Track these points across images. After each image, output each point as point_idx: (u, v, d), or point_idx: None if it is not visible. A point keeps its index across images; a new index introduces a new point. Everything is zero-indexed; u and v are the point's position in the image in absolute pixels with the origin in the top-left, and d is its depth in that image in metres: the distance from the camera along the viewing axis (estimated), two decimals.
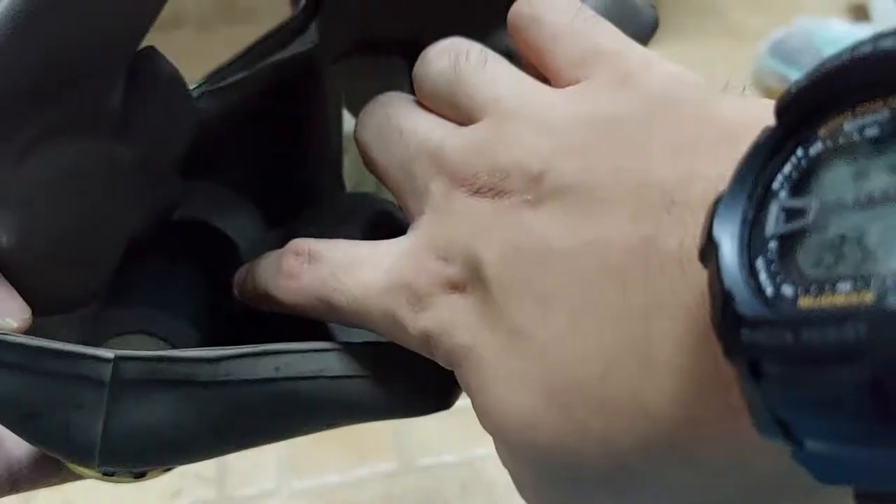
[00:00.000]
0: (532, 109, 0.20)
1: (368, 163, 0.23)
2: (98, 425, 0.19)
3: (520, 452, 0.18)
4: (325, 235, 0.28)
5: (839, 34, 0.78)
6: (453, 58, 0.21)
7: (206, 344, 0.24)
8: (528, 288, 0.18)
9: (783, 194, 0.14)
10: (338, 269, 0.21)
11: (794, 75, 0.78)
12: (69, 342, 0.20)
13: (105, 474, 0.24)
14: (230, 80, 0.27)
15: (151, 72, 0.25)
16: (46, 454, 0.24)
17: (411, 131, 0.21)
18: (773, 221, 0.14)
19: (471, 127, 0.20)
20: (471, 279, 0.19)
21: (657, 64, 0.19)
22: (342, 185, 0.33)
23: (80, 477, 0.24)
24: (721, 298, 0.13)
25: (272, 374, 0.20)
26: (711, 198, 0.15)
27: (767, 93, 0.80)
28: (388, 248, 0.21)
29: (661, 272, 0.16)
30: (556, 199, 0.18)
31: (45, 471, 0.24)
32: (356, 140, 0.23)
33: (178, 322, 0.28)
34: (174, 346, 0.25)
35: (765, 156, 0.14)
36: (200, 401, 0.20)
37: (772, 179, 0.14)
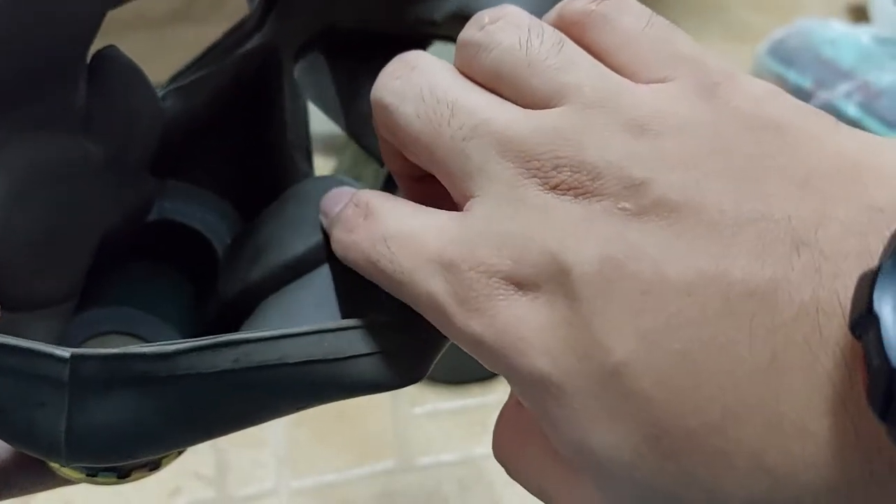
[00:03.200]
0: (619, 101, 0.17)
1: (397, 133, 0.21)
2: (62, 423, 0.19)
3: (613, 487, 0.17)
4: (292, 223, 0.28)
5: (839, 35, 0.78)
6: (525, 35, 0.19)
7: None
8: (631, 318, 0.16)
9: None
10: (390, 234, 0.19)
11: (793, 76, 0.78)
12: (44, 339, 0.20)
13: (89, 475, 0.24)
14: (192, 77, 0.27)
15: (112, 69, 0.25)
16: (32, 459, 0.24)
17: (467, 109, 0.19)
18: None
19: (546, 111, 0.18)
20: (547, 284, 0.17)
21: (742, 77, 0.18)
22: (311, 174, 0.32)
23: (68, 481, 0.24)
24: (884, 376, 0.13)
25: (231, 366, 0.19)
26: (849, 248, 0.14)
27: None
28: (443, 226, 0.19)
29: (793, 324, 0.15)
30: (663, 217, 0.16)
31: (31, 474, 0.24)
32: (376, 102, 0.21)
33: (158, 322, 0.28)
34: None
35: None
36: (161, 396, 0.19)
37: None
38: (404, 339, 0.21)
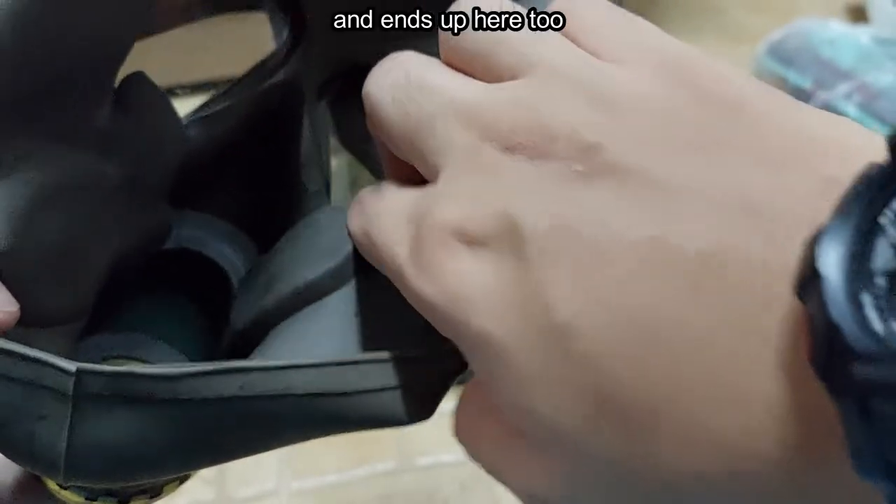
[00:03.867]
0: (581, 73, 0.18)
1: (377, 122, 0.21)
2: (62, 438, 0.19)
3: (559, 455, 0.17)
4: (304, 251, 0.28)
5: (838, 35, 0.78)
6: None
7: None
8: (578, 279, 0.16)
9: (892, 231, 0.13)
10: (379, 207, 0.20)
11: (793, 76, 0.78)
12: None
13: (88, 499, 0.23)
14: (217, 108, 0.28)
15: (139, 95, 0.26)
16: (32, 482, 0.24)
17: (437, 87, 0.19)
18: (882, 257, 0.13)
19: (510, 83, 0.18)
20: (496, 242, 0.17)
21: (706, 59, 0.18)
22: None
23: None
24: (826, 332, 0.12)
25: (236, 393, 0.19)
26: (801, 214, 0.14)
27: None
28: (415, 196, 0.19)
29: (742, 289, 0.14)
30: (614, 179, 0.16)
31: (30, 498, 0.24)
32: (364, 95, 0.22)
33: (170, 350, 0.28)
34: None
35: (874, 189, 0.13)
36: (163, 418, 0.19)
37: (878, 214, 0.13)
38: (414, 376, 0.21)
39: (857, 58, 0.75)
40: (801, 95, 0.76)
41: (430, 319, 0.18)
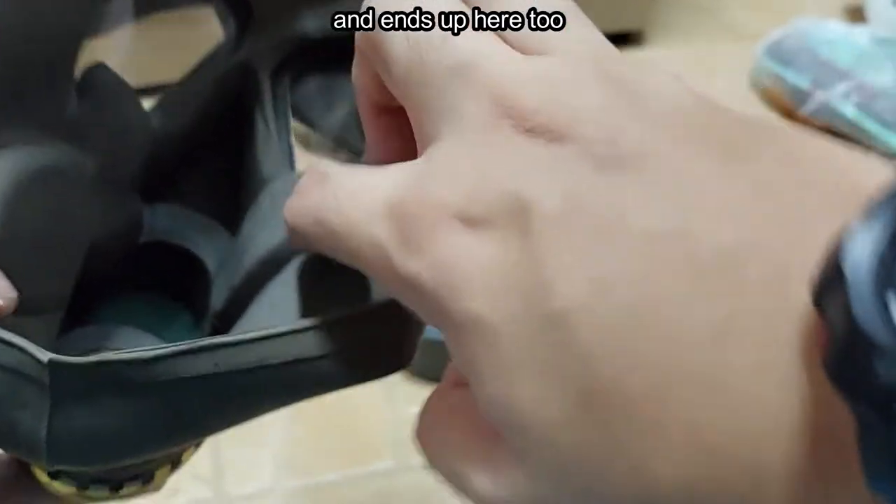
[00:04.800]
0: (607, 59, 0.17)
1: (379, 55, 0.19)
2: (43, 426, 0.19)
3: (534, 457, 0.15)
4: (265, 220, 0.29)
5: (836, 35, 0.78)
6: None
7: None
8: (584, 263, 0.15)
9: None
10: (340, 189, 0.18)
11: (791, 76, 0.78)
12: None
13: (80, 487, 0.23)
14: (177, 98, 0.28)
15: (101, 84, 0.26)
16: (21, 477, 0.24)
17: (460, 43, 0.18)
18: None
19: (536, 57, 0.17)
20: (501, 220, 0.16)
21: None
22: None
23: (58, 499, 0.24)
24: (848, 333, 0.12)
25: (211, 370, 0.19)
26: (827, 220, 0.13)
27: (764, 93, 0.80)
28: (396, 174, 0.18)
29: (759, 289, 0.14)
30: (634, 165, 0.15)
31: (20, 491, 0.24)
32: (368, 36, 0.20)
33: (155, 339, 0.28)
34: None
35: None
36: (142, 401, 0.19)
37: None
38: (381, 329, 0.21)
39: (855, 58, 0.75)
40: (800, 95, 0.76)
41: (410, 301, 0.17)
